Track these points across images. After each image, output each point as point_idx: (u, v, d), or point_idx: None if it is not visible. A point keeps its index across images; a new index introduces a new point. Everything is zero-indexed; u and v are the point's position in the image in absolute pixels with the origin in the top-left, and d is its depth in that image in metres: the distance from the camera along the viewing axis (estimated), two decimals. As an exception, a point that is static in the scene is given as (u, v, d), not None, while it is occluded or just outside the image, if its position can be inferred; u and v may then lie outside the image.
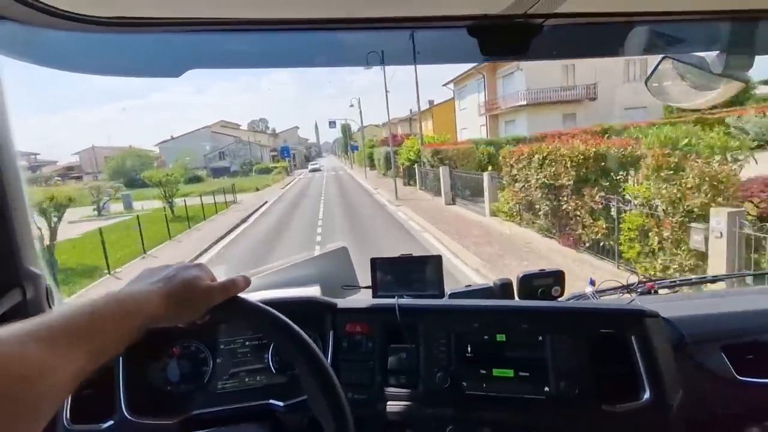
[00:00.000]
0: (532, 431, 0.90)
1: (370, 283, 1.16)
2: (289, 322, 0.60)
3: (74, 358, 0.42)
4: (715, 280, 1.52)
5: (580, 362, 0.90)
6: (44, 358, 0.39)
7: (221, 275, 0.63)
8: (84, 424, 0.89)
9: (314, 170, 48.59)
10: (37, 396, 0.38)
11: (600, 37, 0.99)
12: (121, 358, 0.92)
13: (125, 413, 0.88)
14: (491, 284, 1.23)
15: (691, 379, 0.92)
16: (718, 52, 1.07)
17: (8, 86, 0.77)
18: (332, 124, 39.25)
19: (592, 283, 1.36)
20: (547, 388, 0.90)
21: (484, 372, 0.94)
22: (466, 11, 0.75)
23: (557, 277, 1.19)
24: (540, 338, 0.93)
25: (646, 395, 0.87)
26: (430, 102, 40.55)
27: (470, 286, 1.26)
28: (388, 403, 0.94)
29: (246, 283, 0.62)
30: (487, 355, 0.95)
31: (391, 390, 0.95)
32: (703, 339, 0.98)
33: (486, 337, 0.95)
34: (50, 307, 0.91)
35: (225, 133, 56.02)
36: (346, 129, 59.86)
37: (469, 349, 0.96)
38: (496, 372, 0.93)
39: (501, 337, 0.95)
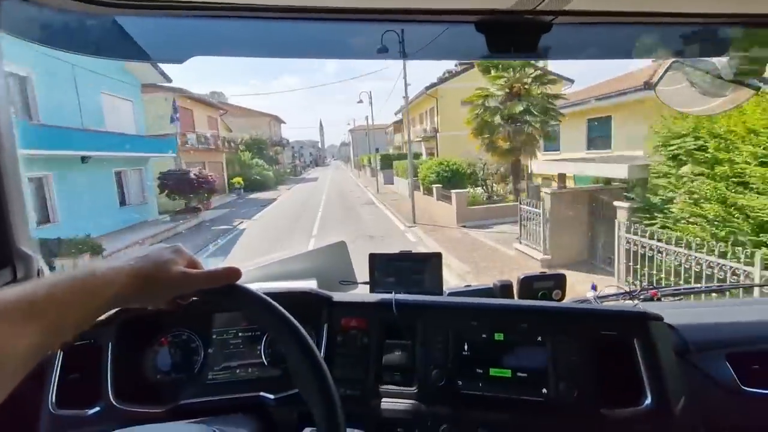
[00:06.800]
0: None
1: (368, 279, 1.15)
2: (284, 310, 0.59)
3: (27, 333, 0.40)
4: (720, 289, 1.50)
5: (580, 365, 0.88)
6: None
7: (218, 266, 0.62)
8: (69, 409, 0.88)
9: None
10: None
11: (610, 38, 0.98)
12: (109, 344, 0.91)
13: (112, 400, 0.87)
14: (491, 285, 1.21)
15: (693, 387, 0.90)
16: (729, 57, 1.05)
17: (8, 65, 0.77)
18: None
19: (594, 288, 1.34)
20: (545, 390, 0.88)
21: (480, 371, 0.92)
22: (473, 5, 0.74)
23: (558, 281, 1.17)
24: (539, 339, 0.91)
25: (647, 401, 0.85)
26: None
27: (470, 286, 1.24)
28: (383, 400, 0.92)
29: (237, 274, 0.58)
30: (484, 355, 0.93)
31: (385, 387, 0.94)
32: (708, 347, 0.96)
33: (484, 335, 0.94)
34: None
35: None
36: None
37: (466, 347, 0.94)
38: (493, 372, 0.92)
39: (499, 336, 0.93)
